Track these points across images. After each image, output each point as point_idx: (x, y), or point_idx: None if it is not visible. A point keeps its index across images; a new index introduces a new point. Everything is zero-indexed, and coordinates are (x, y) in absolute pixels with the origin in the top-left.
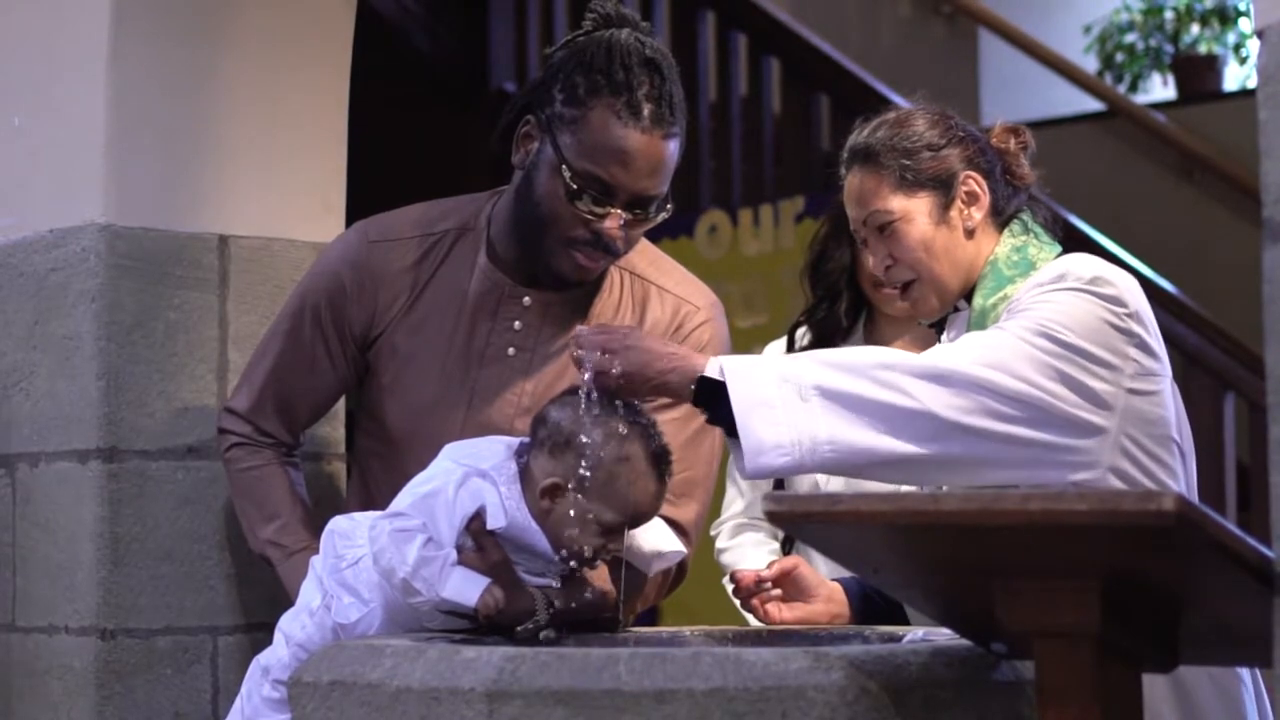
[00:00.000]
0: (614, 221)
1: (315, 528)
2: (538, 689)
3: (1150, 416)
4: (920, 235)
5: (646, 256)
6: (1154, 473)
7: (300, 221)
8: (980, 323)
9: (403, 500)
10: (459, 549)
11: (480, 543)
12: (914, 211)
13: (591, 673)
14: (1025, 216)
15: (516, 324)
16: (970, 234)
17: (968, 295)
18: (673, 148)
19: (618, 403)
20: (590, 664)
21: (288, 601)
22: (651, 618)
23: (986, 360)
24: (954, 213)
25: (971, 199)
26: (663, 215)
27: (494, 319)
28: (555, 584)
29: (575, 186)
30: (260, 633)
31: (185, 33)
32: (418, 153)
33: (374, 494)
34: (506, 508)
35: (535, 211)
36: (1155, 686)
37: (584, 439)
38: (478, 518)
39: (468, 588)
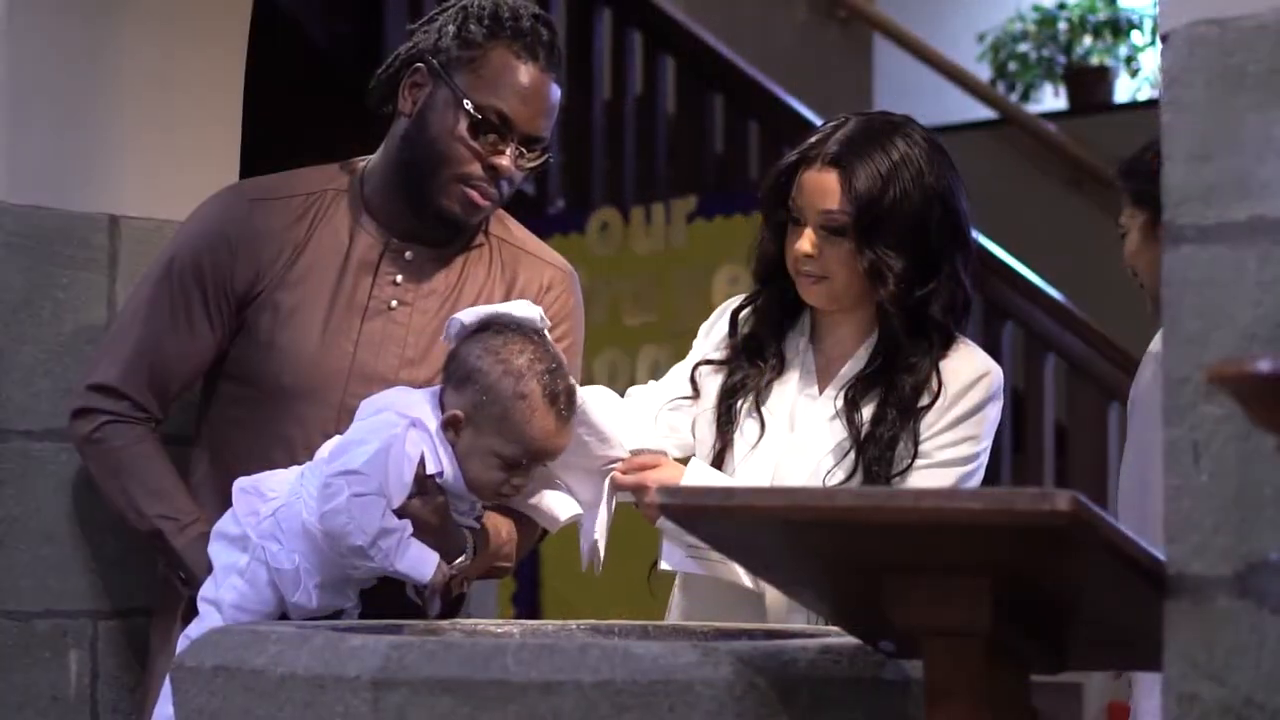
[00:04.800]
0: (509, 156)
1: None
2: (424, 678)
3: None
4: None
5: (508, 225)
6: None
7: (192, 204)
8: None
9: (355, 458)
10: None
11: (425, 487)
12: None
13: (478, 662)
14: None
15: (398, 278)
16: None
17: None
18: (559, 94)
19: (526, 337)
20: (477, 654)
21: (170, 586)
22: (533, 611)
23: None
24: None
25: None
26: (548, 157)
27: (375, 273)
28: (476, 526)
29: (479, 118)
30: (142, 617)
31: (81, 11)
32: (313, 142)
33: (233, 466)
34: (440, 454)
35: (428, 151)
36: None
37: (482, 372)
38: (421, 464)
39: (423, 564)
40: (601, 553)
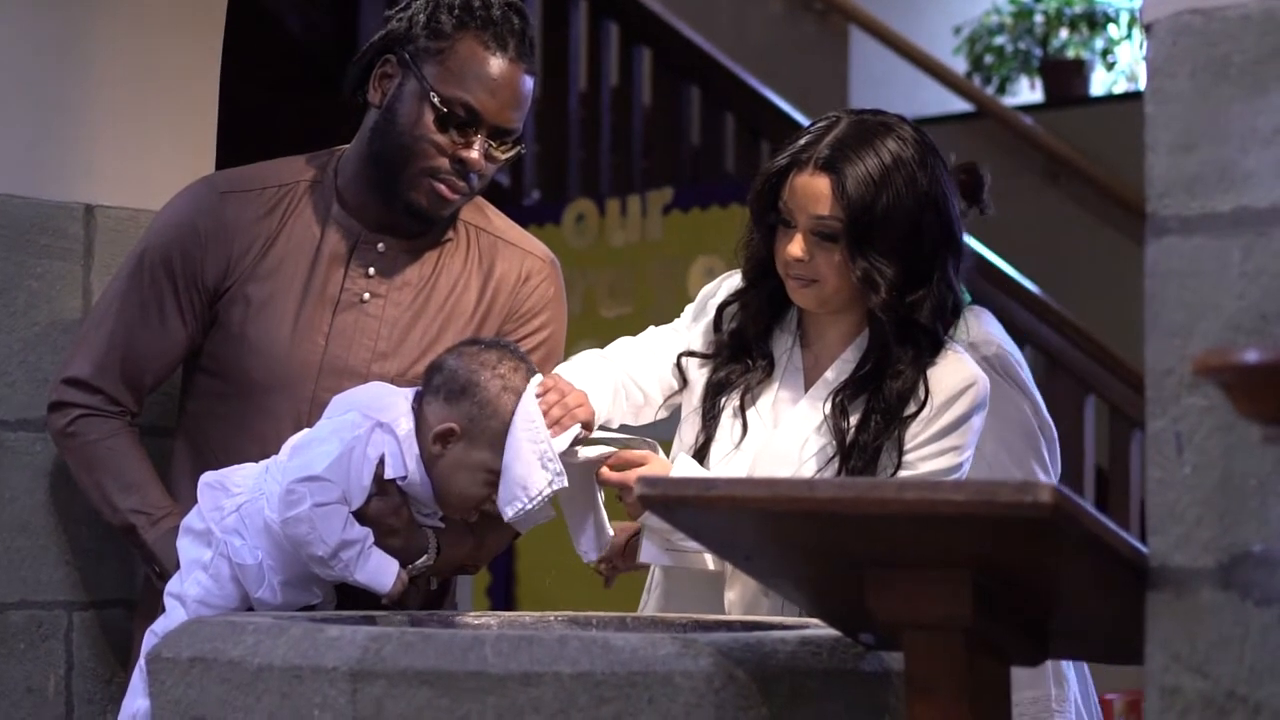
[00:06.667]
0: (478, 149)
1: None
2: (402, 669)
3: None
4: None
5: (487, 213)
6: None
7: (168, 194)
8: None
9: (317, 461)
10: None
11: (383, 488)
12: None
13: (457, 654)
14: None
15: (371, 270)
16: None
17: None
18: (531, 85)
19: (515, 352)
20: (456, 645)
21: (146, 577)
22: (509, 603)
23: None
24: None
25: None
26: (519, 150)
27: (347, 266)
28: (441, 526)
29: (444, 111)
30: (117, 609)
31: (57, 1)
32: (289, 133)
33: (209, 459)
34: (405, 458)
35: (397, 143)
36: None
37: (480, 387)
38: (380, 465)
39: (383, 574)
40: (611, 533)
